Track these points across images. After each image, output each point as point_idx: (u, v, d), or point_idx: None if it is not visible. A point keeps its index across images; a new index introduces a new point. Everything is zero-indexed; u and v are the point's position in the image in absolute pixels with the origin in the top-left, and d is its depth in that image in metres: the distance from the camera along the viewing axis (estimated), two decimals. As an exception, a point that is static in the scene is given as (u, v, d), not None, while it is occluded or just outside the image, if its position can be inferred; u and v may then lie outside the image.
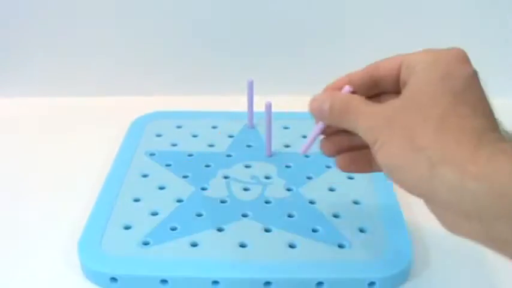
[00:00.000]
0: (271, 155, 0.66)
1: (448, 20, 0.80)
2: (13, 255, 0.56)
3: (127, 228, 0.56)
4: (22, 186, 0.66)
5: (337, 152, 0.48)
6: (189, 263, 0.52)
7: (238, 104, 0.72)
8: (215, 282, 0.51)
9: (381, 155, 0.40)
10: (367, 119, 0.41)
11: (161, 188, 0.61)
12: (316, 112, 0.46)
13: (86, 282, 0.52)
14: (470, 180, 0.34)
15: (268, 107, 0.63)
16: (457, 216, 0.36)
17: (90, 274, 0.52)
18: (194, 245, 0.54)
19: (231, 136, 0.70)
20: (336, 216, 0.57)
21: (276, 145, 0.67)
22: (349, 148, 0.48)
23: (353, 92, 0.45)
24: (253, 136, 0.70)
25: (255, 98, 0.69)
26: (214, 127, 0.72)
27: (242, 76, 0.69)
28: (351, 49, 0.82)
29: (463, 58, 0.41)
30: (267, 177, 0.63)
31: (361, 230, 0.55)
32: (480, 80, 0.41)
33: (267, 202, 0.59)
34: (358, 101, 0.43)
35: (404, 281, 0.52)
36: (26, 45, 0.81)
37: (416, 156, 0.37)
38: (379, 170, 0.43)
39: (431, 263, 0.54)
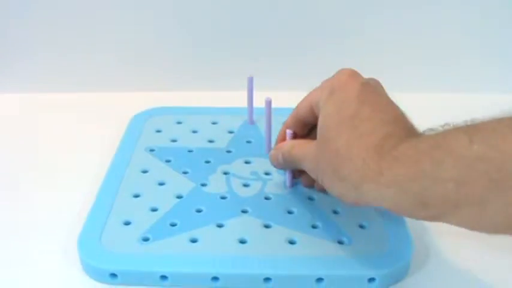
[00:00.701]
0: (271, 151, 0.66)
1: (448, 15, 0.80)
2: (13, 251, 0.56)
3: (127, 224, 0.56)
4: (21, 182, 0.66)
5: (312, 182, 0.59)
6: (188, 259, 0.52)
7: (238, 100, 0.72)
8: (215, 278, 0.51)
9: (325, 187, 0.48)
10: (306, 163, 0.52)
11: (161, 184, 0.61)
12: (276, 165, 0.58)
13: (86, 278, 0.52)
14: (384, 188, 0.42)
15: (268, 103, 0.63)
16: (390, 209, 0.43)
17: (90, 270, 0.52)
18: (194, 240, 0.54)
19: (231, 132, 0.70)
20: (335, 212, 0.57)
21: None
22: None
23: (294, 134, 0.56)
24: (253, 132, 0.70)
25: (255, 94, 0.69)
26: (214, 123, 0.72)
27: (242, 72, 0.69)
28: (350, 45, 0.82)
29: (348, 78, 0.49)
30: (266, 173, 0.63)
31: (361, 226, 0.55)
32: (374, 85, 0.49)
33: (266, 198, 0.59)
34: (297, 147, 0.54)
35: (404, 277, 0.52)
36: (25, 41, 0.81)
37: (344, 184, 0.45)
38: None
39: (431, 259, 0.54)
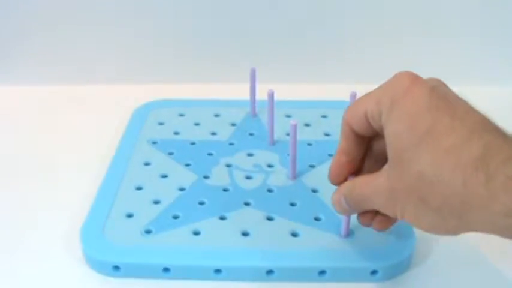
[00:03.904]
0: (273, 143, 0.66)
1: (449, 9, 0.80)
2: (15, 244, 0.56)
3: (129, 216, 0.56)
4: (25, 175, 0.66)
5: (371, 220, 0.48)
6: (191, 251, 0.52)
7: (241, 92, 0.72)
8: (217, 271, 0.51)
9: (408, 222, 0.41)
10: (377, 198, 0.43)
11: (163, 177, 0.61)
12: (341, 211, 0.48)
13: (89, 271, 0.52)
14: (501, 218, 0.35)
15: (271, 95, 0.63)
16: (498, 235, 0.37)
17: (93, 262, 0.52)
18: (196, 233, 0.54)
19: (233, 124, 0.70)
20: (338, 204, 0.57)
21: (279, 133, 0.67)
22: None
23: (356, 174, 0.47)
24: (255, 124, 0.70)
25: (258, 86, 0.69)
26: (216, 115, 0.72)
27: (245, 64, 0.69)
28: (351, 39, 0.81)
29: (411, 83, 0.40)
30: (269, 166, 0.63)
31: (364, 219, 0.55)
32: (442, 88, 0.40)
33: (269, 190, 0.59)
34: (359, 184, 0.45)
35: (406, 270, 0.52)
36: (29, 34, 0.81)
37: (439, 215, 0.38)
38: None
39: (433, 252, 0.54)
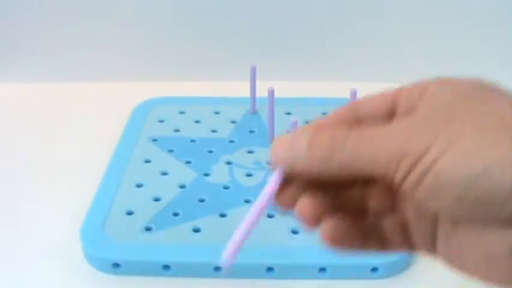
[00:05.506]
0: (273, 140, 0.66)
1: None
2: (15, 241, 0.56)
3: (129, 213, 0.56)
4: (24, 172, 0.66)
5: (318, 217, 0.31)
6: (191, 249, 0.52)
7: (241, 89, 0.71)
8: (217, 268, 0.51)
9: (445, 164, 0.25)
10: (390, 142, 0.27)
11: (164, 174, 0.61)
12: (282, 155, 0.31)
13: (89, 268, 0.52)
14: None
15: (271, 92, 0.63)
16: None
17: (93, 260, 0.52)
18: (196, 230, 0.54)
19: (233, 122, 0.70)
20: (338, 202, 0.57)
21: (279, 131, 0.66)
22: (338, 208, 0.32)
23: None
24: (255, 122, 0.70)
25: (258, 84, 0.69)
26: (216, 113, 0.72)
27: (245, 62, 0.69)
28: (352, 36, 0.81)
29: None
30: (269, 163, 0.63)
31: (364, 216, 0.55)
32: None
33: (269, 188, 0.59)
34: (356, 136, 0.29)
35: (407, 267, 0.52)
36: (25, 31, 0.81)
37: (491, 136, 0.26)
38: (395, 248, 0.31)
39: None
